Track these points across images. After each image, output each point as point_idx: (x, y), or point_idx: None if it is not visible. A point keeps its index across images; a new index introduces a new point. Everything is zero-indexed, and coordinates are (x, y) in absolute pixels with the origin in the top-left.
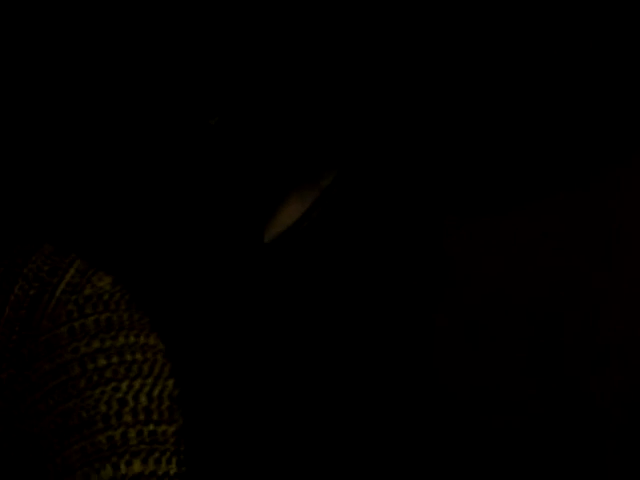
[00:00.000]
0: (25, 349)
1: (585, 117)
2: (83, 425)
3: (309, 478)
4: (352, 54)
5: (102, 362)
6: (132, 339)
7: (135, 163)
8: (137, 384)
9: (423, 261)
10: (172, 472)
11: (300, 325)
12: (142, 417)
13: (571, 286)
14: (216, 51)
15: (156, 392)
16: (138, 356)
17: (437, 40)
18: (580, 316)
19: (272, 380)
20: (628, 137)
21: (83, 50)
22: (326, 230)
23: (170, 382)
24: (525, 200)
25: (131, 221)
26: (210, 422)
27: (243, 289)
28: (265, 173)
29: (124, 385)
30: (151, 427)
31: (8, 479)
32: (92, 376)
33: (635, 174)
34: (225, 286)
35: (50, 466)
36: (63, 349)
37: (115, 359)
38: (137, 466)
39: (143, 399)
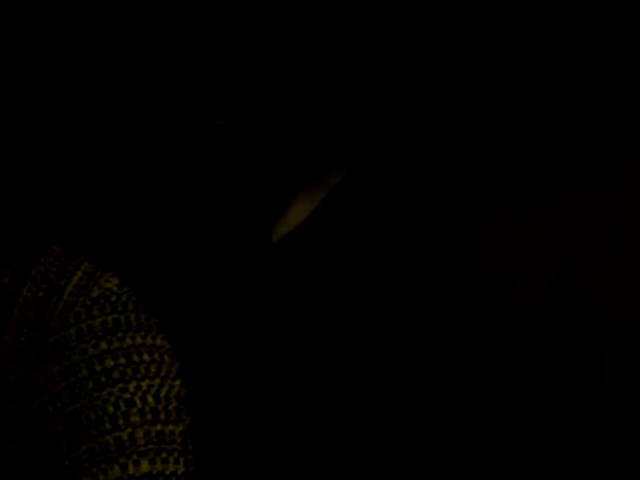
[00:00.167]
0: (33, 351)
1: (589, 115)
2: (91, 426)
3: (313, 477)
4: (359, 53)
5: (109, 363)
6: (139, 340)
7: (143, 163)
8: (144, 385)
9: (431, 259)
10: (180, 472)
11: (307, 324)
12: (149, 417)
13: (578, 283)
14: (223, 51)
15: (163, 392)
16: (145, 357)
17: (444, 39)
18: (587, 313)
19: (278, 380)
20: (632, 134)
21: (90, 52)
22: (334, 229)
23: (177, 382)
24: (532, 198)
25: (139, 222)
26: (217, 421)
27: (251, 289)
28: (273, 172)
29: (131, 386)
30: (158, 427)
31: None
32: (100, 377)
33: (638, 171)
34: (233, 286)
35: (58, 467)
36: (71, 351)
37: (122, 360)
38: (145, 466)
39: (150, 400)
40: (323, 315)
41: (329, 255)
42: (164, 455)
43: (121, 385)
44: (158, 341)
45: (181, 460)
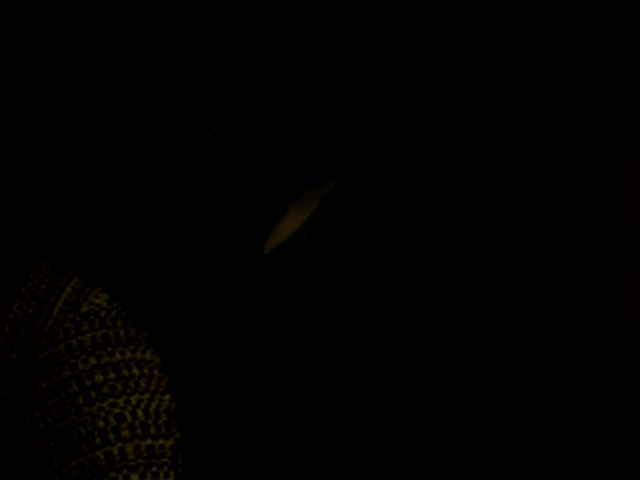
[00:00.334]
0: (24, 367)
1: (583, 118)
2: (81, 441)
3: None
4: (349, 62)
5: (99, 378)
6: (128, 355)
7: (132, 177)
8: (134, 399)
9: (425, 266)
10: None
11: (302, 334)
12: (139, 432)
13: (574, 287)
14: (211, 63)
15: (153, 407)
16: (135, 371)
17: (438, 44)
18: (583, 317)
19: (272, 390)
20: (622, 138)
21: (80, 62)
22: (327, 239)
23: (167, 397)
24: (524, 203)
25: (128, 236)
26: (208, 433)
27: (244, 300)
28: (264, 184)
29: (121, 401)
30: (148, 442)
31: None
32: (90, 392)
33: (634, 172)
34: (225, 298)
35: None
36: (61, 366)
37: (112, 375)
38: None
39: (140, 414)
40: (318, 324)
41: (322, 265)
42: (154, 469)
43: (111, 400)
44: (147, 355)
45: (171, 474)
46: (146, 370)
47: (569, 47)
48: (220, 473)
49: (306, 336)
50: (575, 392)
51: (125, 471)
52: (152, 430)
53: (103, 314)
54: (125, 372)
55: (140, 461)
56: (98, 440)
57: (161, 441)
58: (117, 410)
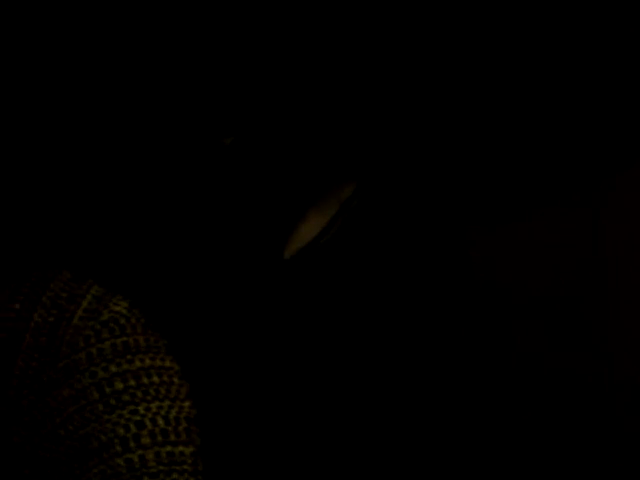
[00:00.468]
0: (45, 375)
1: (588, 126)
2: (102, 449)
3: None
4: (368, 69)
5: (119, 386)
6: (148, 362)
7: (153, 185)
8: (154, 407)
9: (446, 270)
10: None
11: (320, 340)
12: (160, 439)
13: (593, 289)
14: (231, 70)
15: (173, 414)
16: (155, 379)
17: (462, 54)
18: (603, 319)
19: (293, 399)
20: (617, 150)
21: (97, 74)
22: (346, 244)
23: (187, 404)
24: (538, 207)
25: (148, 243)
26: (226, 438)
27: (263, 307)
28: (283, 190)
29: (141, 408)
30: (169, 448)
31: None
32: (110, 400)
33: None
34: (245, 305)
35: None
36: (81, 374)
37: (132, 382)
38: None
39: (160, 421)
40: (338, 330)
41: (342, 270)
42: (175, 476)
43: (131, 407)
44: (167, 363)
45: None
46: (166, 377)
47: (570, 58)
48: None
49: (326, 342)
50: (591, 389)
51: (145, 478)
52: (172, 437)
53: (123, 321)
54: (145, 379)
55: (160, 468)
56: (118, 447)
57: (181, 448)
58: (137, 417)
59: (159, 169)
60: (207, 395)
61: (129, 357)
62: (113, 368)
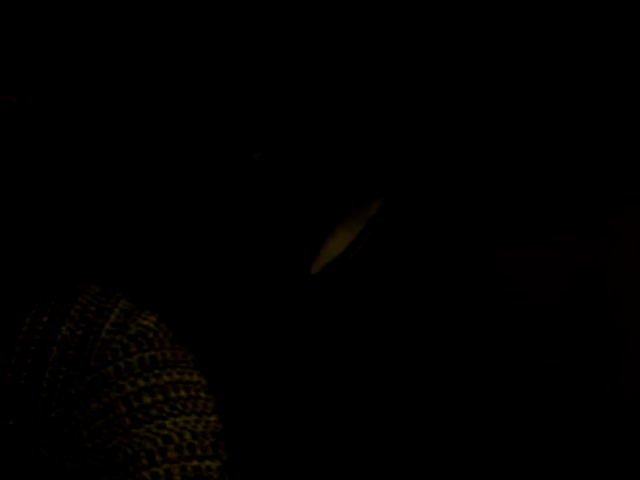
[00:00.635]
0: (73, 389)
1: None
2: (129, 462)
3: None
4: (396, 87)
5: (147, 400)
6: (176, 376)
7: (182, 202)
8: (181, 421)
9: (472, 288)
10: None
11: (347, 355)
12: (186, 453)
13: (611, 305)
14: (261, 86)
15: (200, 428)
16: (182, 393)
17: (482, 70)
18: (628, 334)
19: (320, 414)
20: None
21: (130, 89)
22: (373, 260)
23: (213, 418)
24: (565, 225)
25: (177, 258)
26: (252, 453)
27: (291, 322)
28: (310, 205)
29: (168, 422)
30: (195, 463)
31: None
32: (137, 414)
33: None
34: (272, 320)
35: None
36: (109, 388)
37: (159, 397)
38: None
39: (187, 436)
40: (362, 344)
41: (368, 286)
42: None
43: (158, 422)
44: (194, 377)
45: None
46: (193, 392)
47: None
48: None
49: (352, 356)
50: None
51: None
52: (199, 451)
53: (151, 335)
54: (172, 394)
55: None
56: (145, 461)
57: (207, 462)
58: (164, 432)
59: (190, 185)
60: (234, 410)
61: (157, 371)
62: (141, 382)
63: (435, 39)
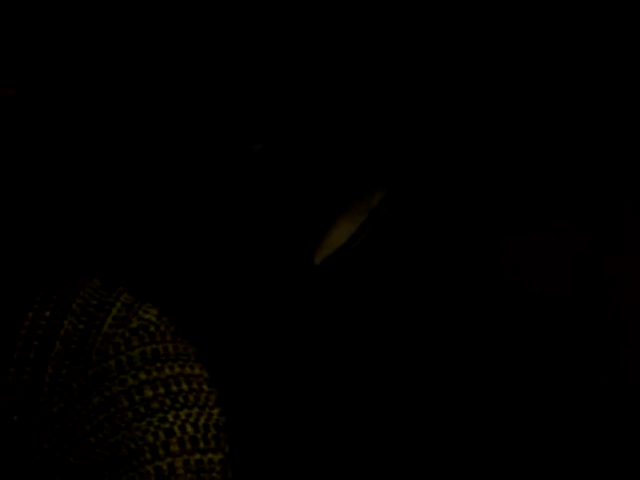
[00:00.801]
0: (75, 383)
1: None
2: (131, 456)
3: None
4: (399, 80)
5: (148, 393)
6: (177, 370)
7: (183, 195)
8: (183, 414)
9: (475, 277)
10: None
11: (350, 345)
12: (189, 447)
13: (614, 293)
14: (261, 78)
15: (202, 421)
16: (184, 386)
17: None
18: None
19: (323, 406)
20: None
21: (132, 85)
22: (376, 251)
23: (215, 411)
24: (567, 215)
25: (178, 251)
26: (255, 447)
27: (294, 313)
28: (313, 196)
29: (170, 416)
30: (197, 456)
31: None
32: (139, 408)
33: None
34: (275, 311)
35: None
36: (111, 382)
37: (161, 390)
38: None
39: (189, 429)
40: (365, 334)
41: (371, 276)
42: None
43: (160, 415)
44: (196, 370)
45: None
46: (195, 385)
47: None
48: None
49: (355, 346)
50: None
51: None
52: (201, 444)
53: (152, 329)
54: (174, 387)
55: (189, 476)
56: (148, 455)
57: (210, 455)
58: (166, 425)
59: (191, 178)
60: (236, 402)
61: (158, 365)
62: (142, 376)
63: (435, 31)
